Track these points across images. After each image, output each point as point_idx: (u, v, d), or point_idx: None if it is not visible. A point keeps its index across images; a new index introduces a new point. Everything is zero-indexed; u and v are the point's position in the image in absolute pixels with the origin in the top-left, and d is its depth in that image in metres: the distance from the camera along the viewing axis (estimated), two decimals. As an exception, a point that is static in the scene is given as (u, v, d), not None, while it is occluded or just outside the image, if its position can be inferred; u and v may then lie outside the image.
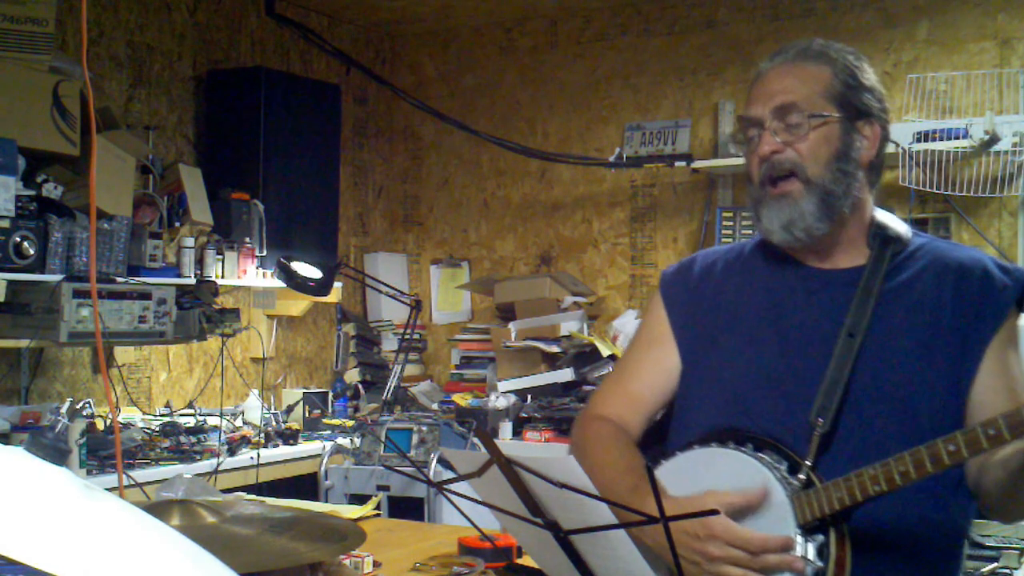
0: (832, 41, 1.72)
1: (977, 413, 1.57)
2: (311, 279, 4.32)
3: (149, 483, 3.04)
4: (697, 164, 4.78)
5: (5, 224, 3.32)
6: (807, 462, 1.53)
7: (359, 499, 3.51)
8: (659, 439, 1.80)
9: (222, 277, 4.22)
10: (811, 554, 1.47)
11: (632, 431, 1.78)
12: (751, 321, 1.71)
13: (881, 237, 1.67)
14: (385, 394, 4.49)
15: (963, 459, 1.38)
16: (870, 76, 1.69)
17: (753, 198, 1.69)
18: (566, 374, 4.53)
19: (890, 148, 4.27)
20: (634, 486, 1.60)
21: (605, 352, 4.52)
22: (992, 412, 1.50)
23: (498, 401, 4.54)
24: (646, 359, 1.82)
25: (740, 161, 4.82)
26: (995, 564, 2.71)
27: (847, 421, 1.57)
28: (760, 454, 1.55)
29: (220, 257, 4.24)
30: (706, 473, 1.57)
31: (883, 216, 1.71)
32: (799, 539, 1.47)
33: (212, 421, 4.02)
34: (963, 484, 1.60)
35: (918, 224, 4.37)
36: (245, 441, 3.97)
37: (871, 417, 1.57)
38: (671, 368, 1.78)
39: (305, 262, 4.33)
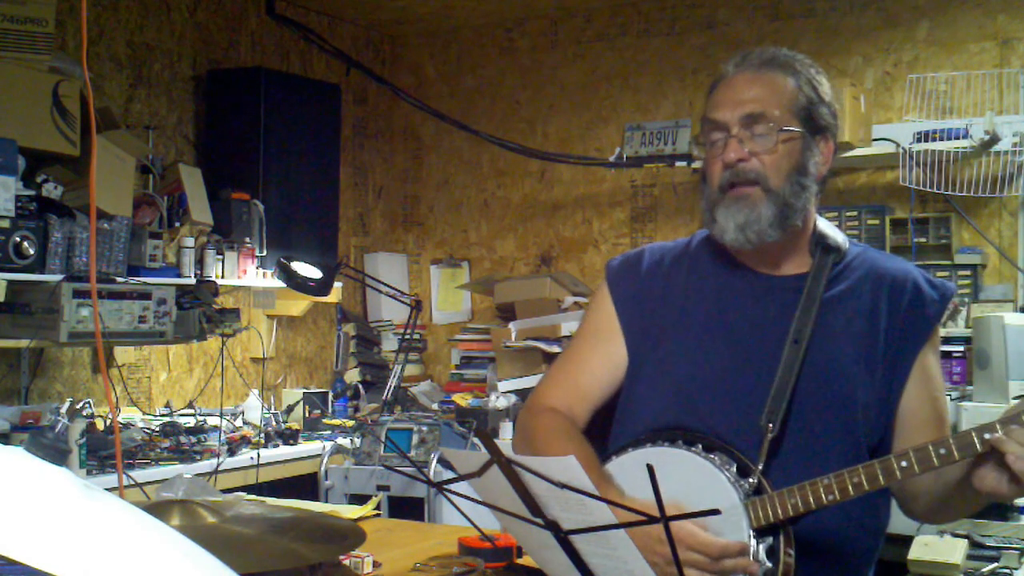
0: (792, 51, 1.74)
1: (903, 418, 1.66)
2: (311, 279, 4.32)
3: (149, 483, 3.05)
4: (697, 164, 4.77)
5: (5, 224, 3.32)
6: (759, 467, 1.57)
7: (359, 499, 3.51)
8: (600, 431, 1.81)
9: (222, 277, 4.22)
10: (762, 555, 1.52)
11: (579, 423, 1.80)
12: (700, 321, 1.73)
13: (822, 246, 1.72)
14: (385, 394, 4.49)
15: (913, 474, 1.48)
16: (828, 90, 1.73)
17: (709, 199, 1.70)
18: (566, 374, 4.52)
19: (890, 148, 4.29)
20: (596, 480, 1.60)
21: (605, 352, 4.52)
22: (916, 418, 1.65)
23: (498, 401, 4.54)
24: (594, 352, 1.83)
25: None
26: (995, 564, 2.71)
27: (793, 426, 1.62)
28: (710, 455, 1.58)
29: (220, 257, 4.24)
30: (660, 474, 1.58)
31: (823, 224, 1.75)
32: (752, 542, 1.52)
33: (212, 421, 4.02)
34: (887, 488, 1.65)
35: (918, 224, 4.38)
36: (245, 441, 3.98)
37: (814, 423, 1.63)
38: (619, 361, 1.79)
39: (305, 262, 4.33)
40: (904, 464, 1.46)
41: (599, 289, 1.88)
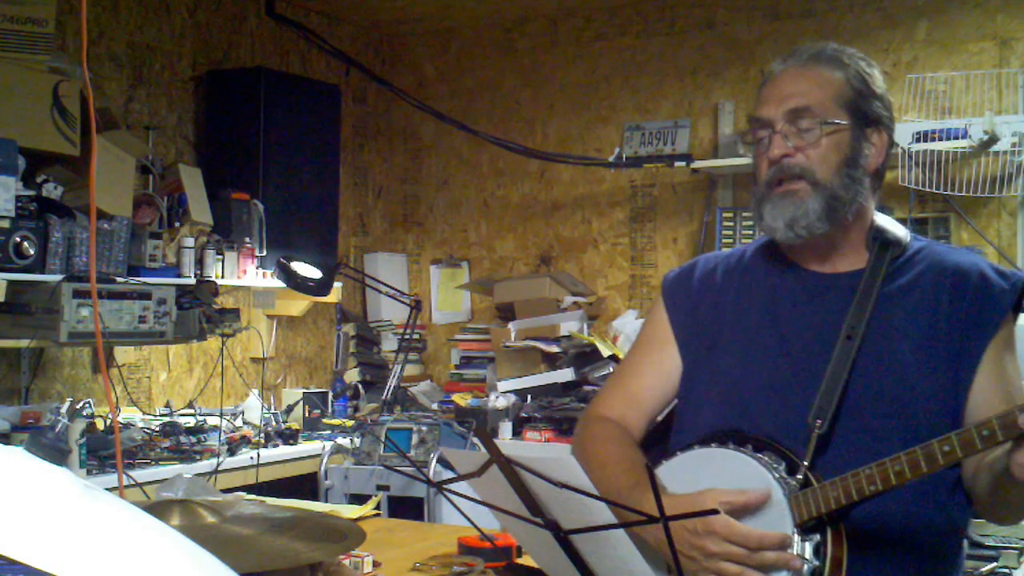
0: (844, 46, 1.72)
1: (974, 417, 1.58)
2: (311, 279, 4.32)
3: (149, 483, 3.04)
4: (697, 164, 4.78)
5: (5, 224, 3.32)
6: (804, 462, 1.55)
7: (359, 499, 3.52)
8: (660, 440, 1.81)
9: (222, 277, 4.22)
10: (808, 552, 1.49)
11: (634, 431, 1.80)
12: (751, 324, 1.72)
13: (880, 241, 1.68)
14: (385, 394, 4.49)
15: (958, 459, 1.40)
16: (880, 83, 1.71)
17: (756, 196, 1.70)
18: (566, 374, 4.53)
19: (890, 148, 4.29)
20: (635, 483, 1.61)
21: (605, 352, 4.52)
22: (988, 414, 1.52)
23: (498, 401, 4.54)
24: (647, 361, 1.84)
25: (740, 162, 4.84)
26: (994, 564, 2.71)
27: (845, 423, 1.58)
28: (759, 455, 1.57)
29: (220, 257, 4.24)
30: (706, 472, 1.59)
31: (882, 219, 1.72)
32: (796, 538, 1.49)
33: (212, 421, 4.02)
34: (959, 485, 1.61)
35: (918, 224, 4.38)
36: (245, 441, 3.98)
37: (868, 419, 1.59)
38: (672, 370, 1.79)
39: (305, 262, 4.34)
40: (947, 448, 1.39)
41: (655, 302, 1.89)
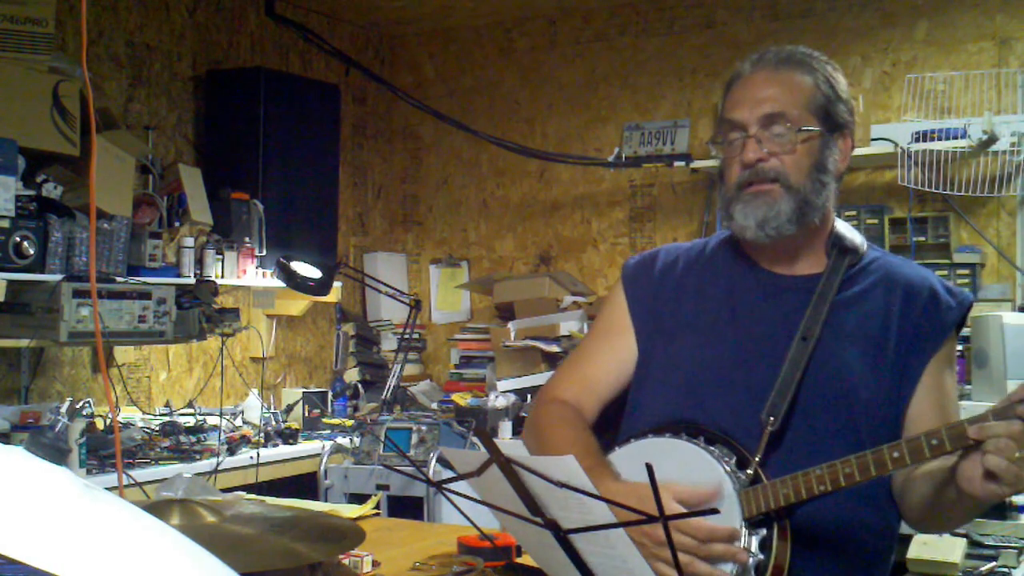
0: (809, 48, 1.75)
1: (910, 426, 1.64)
2: (311, 279, 4.32)
3: (149, 483, 3.04)
4: (696, 164, 4.78)
5: (5, 224, 3.33)
6: (756, 458, 1.58)
7: (359, 498, 3.52)
8: (609, 426, 1.83)
9: (222, 277, 4.22)
10: (754, 546, 1.52)
11: (587, 415, 1.82)
12: (710, 318, 1.75)
13: (839, 247, 1.72)
14: (384, 394, 4.49)
15: (905, 465, 1.45)
16: (845, 87, 1.74)
17: (726, 197, 1.71)
18: (565, 374, 4.53)
19: (889, 148, 4.30)
20: (590, 467, 1.61)
21: (604, 352, 4.52)
22: (925, 427, 1.58)
23: (497, 400, 4.54)
24: (604, 346, 1.86)
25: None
26: (994, 563, 2.71)
27: (795, 421, 1.62)
28: (711, 447, 1.60)
29: (220, 257, 4.24)
30: (659, 462, 1.58)
31: (841, 226, 1.75)
32: (744, 531, 1.52)
33: (212, 421, 4.03)
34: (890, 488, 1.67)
35: (917, 223, 4.38)
36: (245, 441, 3.98)
37: (817, 420, 1.63)
38: (628, 357, 1.81)
39: (305, 262, 4.34)
40: (896, 455, 1.43)
41: (614, 287, 1.90)
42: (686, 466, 1.58)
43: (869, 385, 1.64)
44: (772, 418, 1.60)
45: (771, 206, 1.65)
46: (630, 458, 1.66)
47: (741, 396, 1.66)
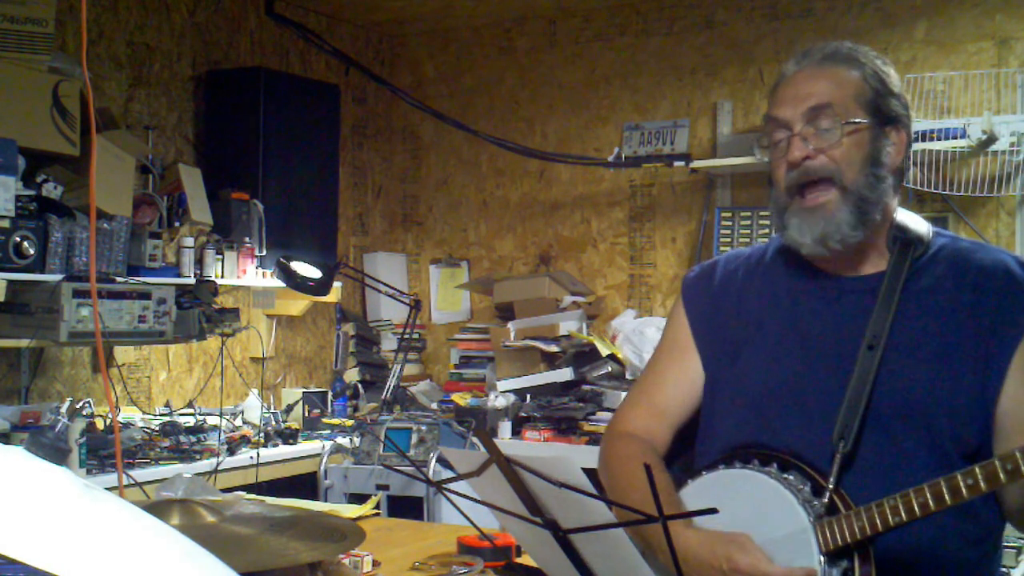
0: (859, 44, 1.69)
1: (1004, 421, 1.54)
2: (310, 279, 4.32)
3: (149, 483, 3.04)
4: (696, 164, 4.78)
5: (5, 224, 3.33)
6: (830, 485, 1.51)
7: (358, 498, 3.52)
8: (686, 447, 1.78)
9: (222, 277, 4.22)
10: None
11: (658, 444, 1.76)
12: (773, 331, 1.68)
13: (901, 240, 1.63)
14: (384, 393, 4.49)
15: (981, 492, 1.37)
16: (896, 82, 1.67)
17: (779, 204, 1.64)
18: (565, 374, 4.53)
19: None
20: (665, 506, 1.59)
21: (604, 352, 4.52)
22: (1019, 420, 1.50)
23: (497, 400, 4.54)
24: (669, 370, 1.80)
25: (739, 161, 4.82)
26: (993, 563, 2.71)
27: (869, 439, 1.54)
28: (785, 475, 1.54)
29: (220, 257, 4.24)
30: (731, 496, 1.55)
31: (903, 216, 1.66)
32: (822, 567, 1.45)
33: (212, 421, 4.03)
34: (993, 493, 1.55)
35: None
36: (245, 441, 3.98)
37: (893, 435, 1.55)
38: (695, 378, 1.76)
39: (304, 262, 4.34)
40: (970, 482, 1.35)
41: (676, 304, 1.84)
42: (761, 503, 1.52)
43: (947, 390, 1.53)
44: (843, 441, 1.52)
45: (829, 219, 1.58)
46: (702, 493, 1.61)
47: (810, 415, 1.58)
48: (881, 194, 1.60)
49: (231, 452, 3.85)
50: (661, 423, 1.77)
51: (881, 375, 1.55)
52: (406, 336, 4.61)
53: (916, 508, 1.40)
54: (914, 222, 1.66)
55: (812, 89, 1.61)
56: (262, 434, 4.09)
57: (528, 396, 4.59)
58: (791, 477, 1.53)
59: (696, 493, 1.62)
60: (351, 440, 4.06)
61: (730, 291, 1.76)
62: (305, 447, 4.19)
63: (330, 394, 4.83)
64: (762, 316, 1.70)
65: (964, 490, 1.36)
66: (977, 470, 1.35)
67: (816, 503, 1.50)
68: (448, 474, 1.40)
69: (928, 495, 1.39)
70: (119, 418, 3.91)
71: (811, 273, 1.68)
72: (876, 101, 1.62)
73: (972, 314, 1.56)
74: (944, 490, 1.38)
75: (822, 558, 1.46)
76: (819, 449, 1.55)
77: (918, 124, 4.29)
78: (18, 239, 3.36)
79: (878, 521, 1.42)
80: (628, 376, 4.48)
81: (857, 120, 1.59)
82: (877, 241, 1.64)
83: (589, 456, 1.82)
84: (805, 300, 1.67)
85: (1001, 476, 1.33)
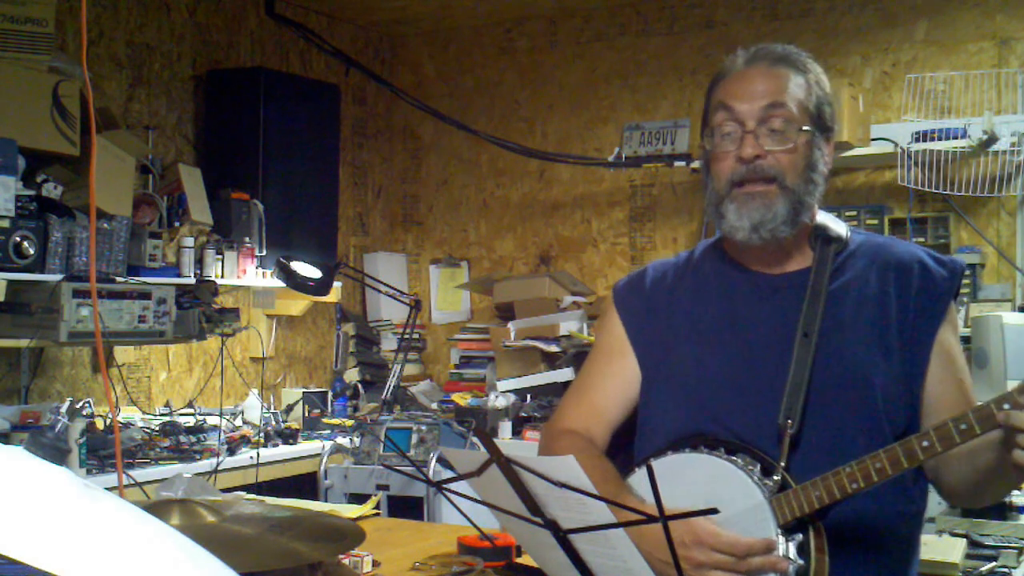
0: (797, 48, 1.73)
1: (929, 403, 1.64)
2: (311, 279, 4.32)
3: (149, 483, 3.05)
4: (696, 164, 4.78)
5: (5, 224, 3.33)
6: (781, 464, 1.56)
7: (359, 498, 3.52)
8: (622, 448, 1.80)
9: (222, 277, 4.22)
10: (792, 553, 1.50)
11: (597, 442, 1.79)
12: (707, 327, 1.73)
13: (822, 238, 1.71)
14: (384, 393, 4.49)
15: (936, 454, 1.44)
16: (829, 89, 1.73)
17: (716, 194, 1.68)
18: (565, 373, 4.54)
19: (889, 148, 4.30)
20: (615, 493, 1.60)
21: (604, 352, 4.52)
22: (945, 401, 1.61)
23: (497, 400, 4.54)
24: (606, 371, 1.83)
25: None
26: (994, 563, 2.71)
27: (812, 420, 1.60)
28: (733, 457, 1.58)
29: (220, 257, 4.24)
30: (684, 479, 1.58)
31: (822, 217, 1.74)
32: (780, 539, 1.50)
33: (212, 421, 4.03)
34: (921, 473, 1.65)
35: (917, 224, 4.38)
36: (245, 441, 3.98)
37: (834, 415, 1.61)
38: (631, 378, 1.80)
39: (305, 262, 4.34)
40: (926, 444, 1.43)
41: (607, 311, 1.88)
42: (714, 482, 1.55)
43: (880, 370, 1.62)
44: (790, 420, 1.58)
45: (767, 208, 1.64)
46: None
47: (754, 401, 1.63)
48: (814, 199, 1.68)
49: (231, 452, 3.85)
50: (599, 422, 1.81)
51: (818, 360, 1.62)
52: (406, 336, 4.61)
53: (873, 473, 1.46)
54: (833, 222, 1.74)
55: (768, 87, 1.66)
56: (262, 434, 4.09)
57: (528, 396, 4.59)
58: (739, 459, 1.58)
59: (645, 478, 1.63)
60: (351, 440, 4.06)
61: (661, 292, 1.81)
62: (305, 447, 4.19)
63: (330, 394, 4.83)
64: (695, 313, 1.76)
65: (920, 452, 1.44)
66: (932, 432, 1.43)
67: (768, 481, 1.54)
68: (448, 474, 1.40)
69: (884, 460, 1.46)
70: (119, 418, 3.91)
71: (740, 271, 1.75)
72: (819, 108, 1.68)
73: (896, 302, 1.66)
74: (900, 454, 1.45)
75: (779, 531, 1.50)
76: (765, 432, 1.60)
77: (919, 124, 4.30)
78: (18, 239, 3.36)
79: (835, 489, 1.48)
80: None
81: (806, 128, 1.65)
82: (800, 241, 1.71)
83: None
84: (737, 296, 1.73)
85: (955, 436, 1.41)
